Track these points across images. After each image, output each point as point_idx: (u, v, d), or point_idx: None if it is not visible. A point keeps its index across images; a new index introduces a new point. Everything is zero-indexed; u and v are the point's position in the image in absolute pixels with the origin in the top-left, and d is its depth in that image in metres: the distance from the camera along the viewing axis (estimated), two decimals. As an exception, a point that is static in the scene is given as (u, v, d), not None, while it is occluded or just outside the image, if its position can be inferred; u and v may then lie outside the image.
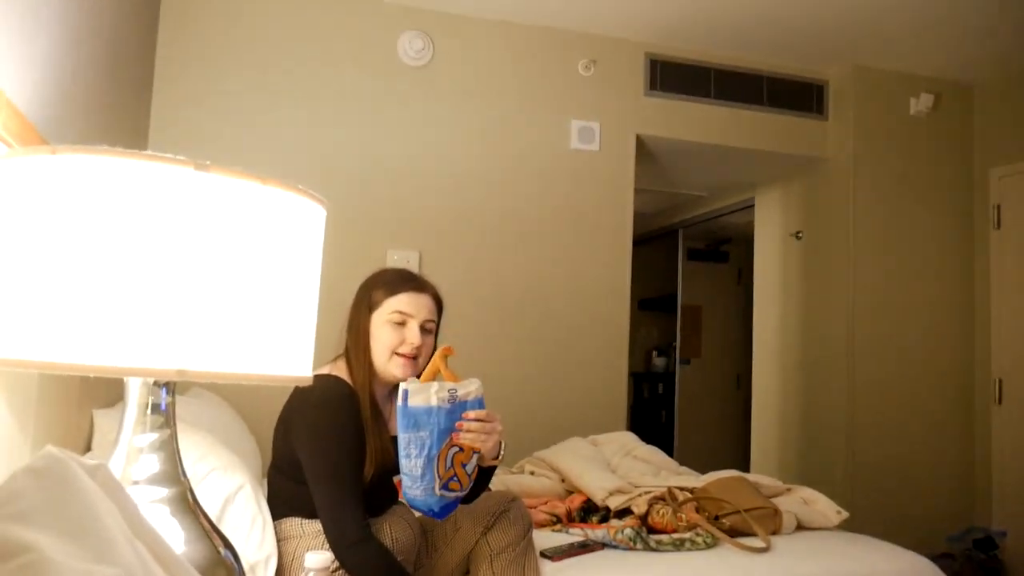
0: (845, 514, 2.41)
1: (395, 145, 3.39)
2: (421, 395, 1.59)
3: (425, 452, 1.59)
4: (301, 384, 1.14)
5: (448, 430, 1.62)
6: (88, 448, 1.91)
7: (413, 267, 3.30)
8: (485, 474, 1.78)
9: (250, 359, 1.01)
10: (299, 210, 1.08)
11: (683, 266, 6.10)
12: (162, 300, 0.93)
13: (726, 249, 6.40)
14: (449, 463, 1.62)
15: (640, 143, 3.78)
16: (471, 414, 1.65)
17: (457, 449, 1.63)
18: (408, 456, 1.58)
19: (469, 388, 1.67)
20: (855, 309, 3.93)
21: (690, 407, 6.04)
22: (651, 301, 6.53)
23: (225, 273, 0.98)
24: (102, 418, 1.94)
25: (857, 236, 3.94)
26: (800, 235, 4.41)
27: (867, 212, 3.96)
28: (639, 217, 4.05)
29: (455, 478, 1.64)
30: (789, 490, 2.53)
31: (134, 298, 0.91)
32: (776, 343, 4.62)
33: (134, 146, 2.78)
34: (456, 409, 1.64)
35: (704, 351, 6.29)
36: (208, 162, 0.98)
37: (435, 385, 1.62)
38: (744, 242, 5.49)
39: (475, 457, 1.68)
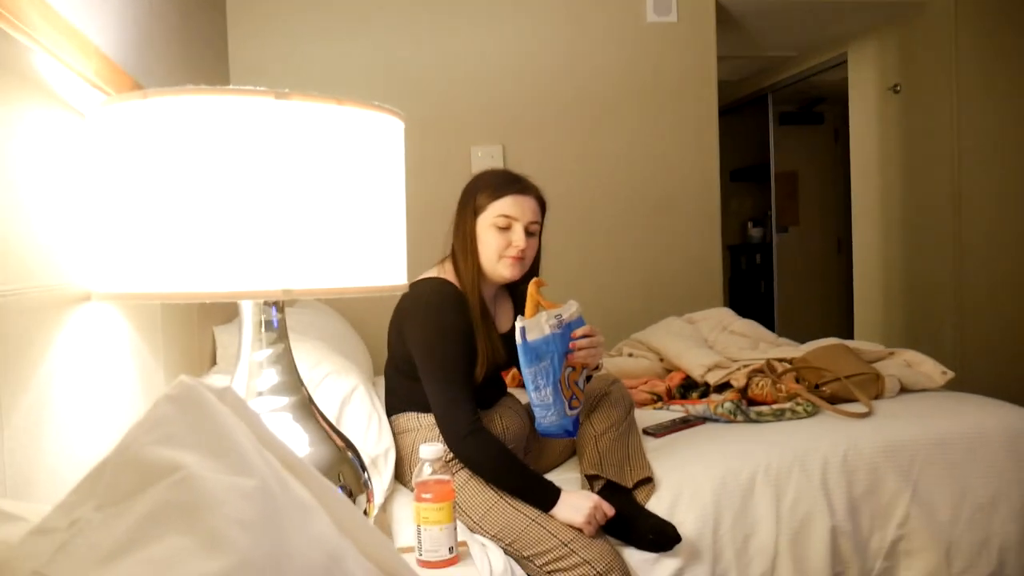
0: (950, 374, 2.38)
1: (469, 41, 3.36)
2: (535, 328, 1.67)
3: (552, 379, 1.68)
4: (400, 291, 1.20)
5: (564, 353, 1.71)
6: (213, 362, 2.06)
7: (497, 161, 3.32)
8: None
9: (347, 273, 1.07)
10: (378, 125, 1.11)
11: (775, 131, 5.89)
12: (262, 226, 0.98)
13: (820, 110, 6.13)
14: (567, 383, 1.72)
15: (720, 8, 3.62)
16: (578, 332, 1.73)
17: (571, 369, 1.73)
18: (537, 388, 1.68)
19: (570, 310, 1.75)
20: (960, 162, 3.75)
21: (789, 276, 5.95)
22: (743, 171, 6.36)
23: (315, 194, 1.03)
24: (222, 334, 2.08)
25: (960, 83, 3.71)
26: (898, 88, 4.18)
27: (971, 56, 3.71)
28: (724, 85, 3.90)
29: (575, 396, 1.74)
30: (892, 354, 2.51)
31: (237, 227, 0.98)
32: (877, 204, 4.46)
33: (216, 70, 2.86)
34: (565, 332, 1.72)
35: (802, 218, 6.13)
36: (287, 89, 1.01)
37: (543, 315, 1.71)
38: (839, 101, 5.24)
39: (584, 372, 1.77)
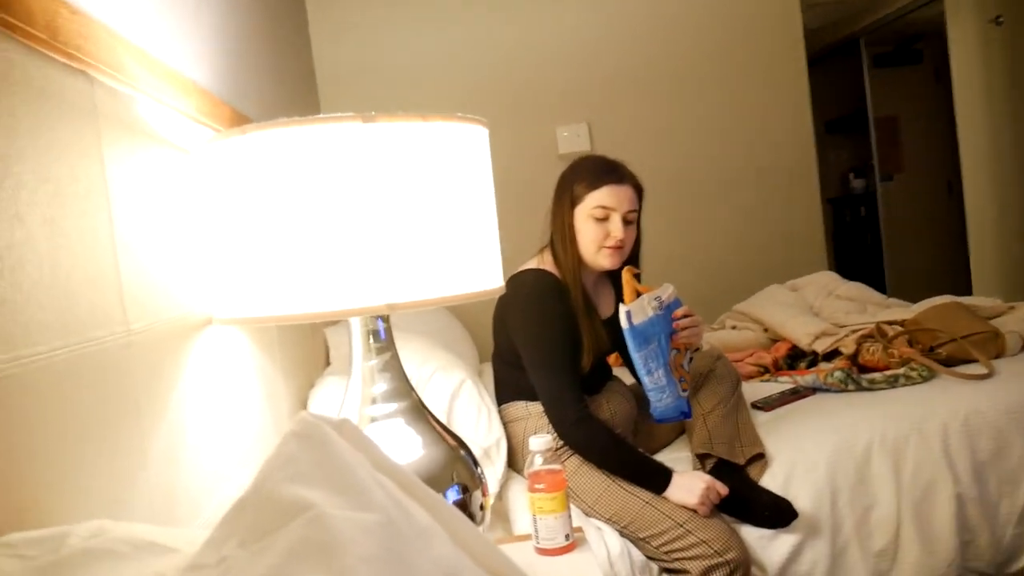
0: (1079, 325, 2.25)
1: (546, 20, 3.34)
2: (639, 311, 1.68)
3: (662, 360, 1.69)
4: (497, 293, 1.22)
5: (669, 333, 1.71)
6: (327, 363, 2.15)
7: (583, 140, 3.30)
8: None
9: (446, 282, 1.11)
10: (463, 136, 1.14)
11: (870, 76, 5.62)
12: (362, 246, 1.03)
13: (917, 48, 5.82)
14: (675, 366, 1.73)
15: (801, -46, 3.49)
16: (679, 312, 1.74)
17: (675, 351, 1.73)
18: (649, 372, 1.68)
19: (667, 291, 1.75)
20: (1077, 93, 3.50)
21: (897, 226, 5.70)
22: (838, 121, 6.11)
23: (409, 210, 1.06)
24: (333, 335, 2.17)
25: (1072, 9, 3.46)
26: (1000, 20, 3.93)
27: (1083, -21, 3.45)
28: (811, 34, 3.76)
29: (683, 378, 1.74)
30: (1011, 308, 2.39)
31: (339, 248, 1.02)
32: (986, 143, 4.23)
33: (303, 78, 2.94)
34: (666, 314, 1.73)
35: (906, 164, 5.85)
36: (373, 112, 1.05)
37: (645, 298, 1.71)
38: (937, 37, 4.96)
39: (688, 353, 1.77)
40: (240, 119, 1.50)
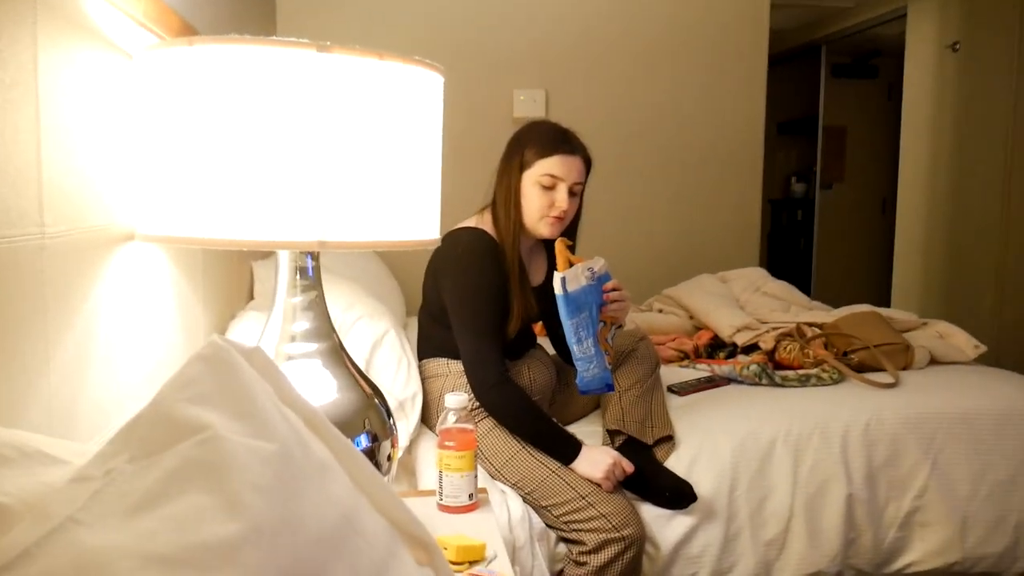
0: (983, 348, 2.35)
1: (516, -20, 3.30)
2: (574, 279, 1.68)
3: (592, 331, 1.69)
4: (431, 245, 1.21)
5: (599, 305, 1.72)
6: (251, 296, 2.11)
7: (539, 106, 3.29)
8: None
9: (381, 227, 1.09)
10: (418, 80, 1.11)
11: (826, 84, 5.73)
12: (300, 178, 1.00)
13: (874, 63, 5.94)
14: (600, 338, 1.73)
15: (776, -45, 3.51)
16: (608, 286, 1.75)
17: (602, 324, 1.74)
18: (579, 340, 1.68)
19: (599, 263, 1.75)
20: (1017, 128, 3.63)
21: (830, 234, 5.86)
22: (790, 124, 6.22)
23: (353, 148, 1.04)
24: (260, 269, 2.13)
25: (1023, 46, 3.57)
26: (957, 46, 4.04)
27: (1037, 18, 3.56)
28: (775, 34, 3.80)
29: (607, 351, 1.74)
30: (925, 324, 2.49)
31: (276, 177, 0.99)
32: (926, 166, 4.36)
33: (262, 13, 2.85)
34: (597, 285, 1.73)
35: (848, 175, 6.00)
36: (328, 42, 1.02)
37: (579, 266, 1.71)
38: (894, 55, 5.07)
39: (614, 328, 1.78)
40: (188, 30, 1.44)
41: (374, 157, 1.06)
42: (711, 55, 3.44)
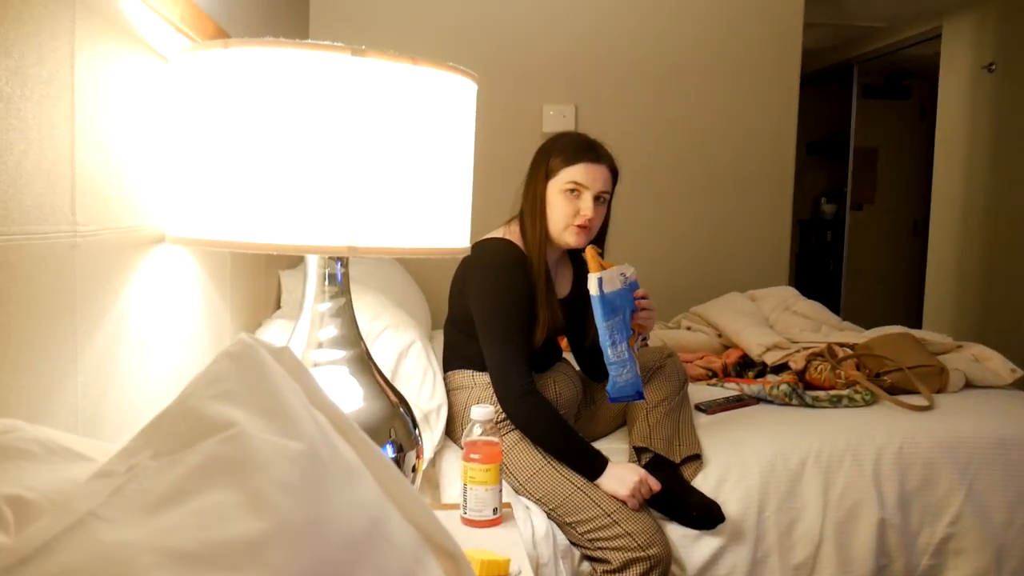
0: (1020, 372, 2.30)
1: (547, -4, 3.31)
2: (610, 281, 1.67)
3: (626, 335, 1.68)
4: (461, 253, 1.20)
5: (631, 310, 1.70)
6: (278, 305, 2.11)
7: (569, 121, 3.28)
8: None
9: (411, 234, 1.08)
10: (451, 87, 1.11)
11: (857, 104, 5.68)
12: (332, 182, 0.99)
13: (907, 84, 5.89)
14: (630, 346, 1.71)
15: (809, -28, 3.50)
16: (639, 293, 1.73)
17: (631, 332, 1.71)
18: (614, 343, 1.66)
19: (630, 270, 1.74)
20: (1053, 150, 3.57)
21: (860, 256, 5.79)
22: (821, 144, 6.16)
23: (385, 153, 1.03)
24: (288, 278, 2.13)
25: (1062, 68, 3.52)
26: (993, 67, 3.98)
27: (1076, 40, 3.51)
28: (807, 54, 3.77)
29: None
30: (959, 347, 2.43)
31: (307, 181, 0.99)
32: (959, 188, 4.29)
33: (296, 18, 2.87)
34: (629, 290, 1.71)
35: (878, 196, 5.93)
36: (363, 46, 1.01)
37: (613, 270, 1.70)
38: (928, 76, 5.02)
39: (640, 339, 1.75)
40: (222, 35, 1.44)
41: (406, 163, 1.05)
42: (742, 73, 3.42)
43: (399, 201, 1.05)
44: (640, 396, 1.71)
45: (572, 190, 1.76)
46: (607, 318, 1.65)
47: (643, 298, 1.73)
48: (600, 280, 1.64)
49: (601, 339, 1.67)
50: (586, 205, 1.76)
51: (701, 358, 2.55)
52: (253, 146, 0.99)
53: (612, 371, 1.67)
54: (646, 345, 1.88)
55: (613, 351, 1.66)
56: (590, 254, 1.72)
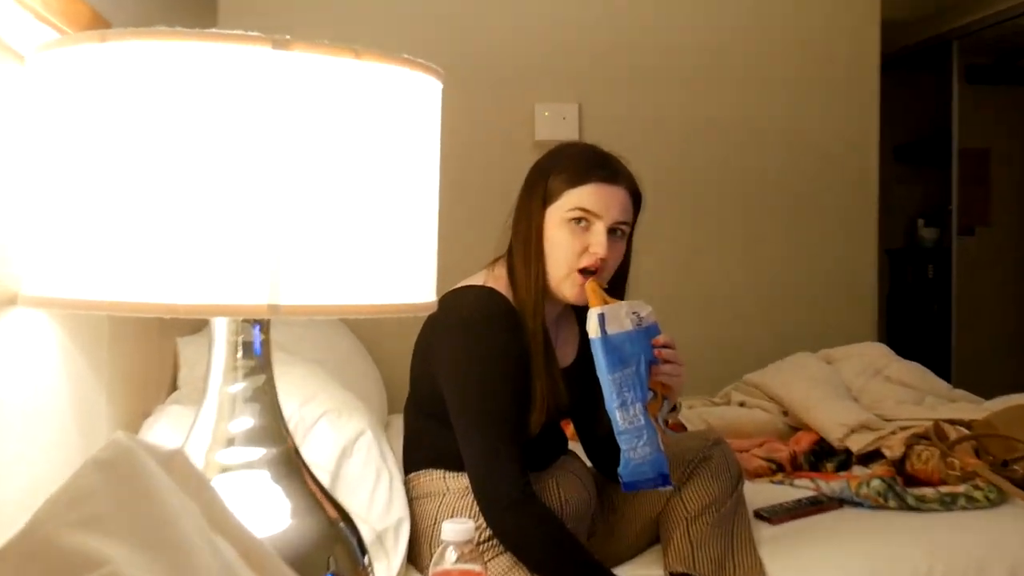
0: None
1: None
2: (615, 319, 1.67)
3: (641, 394, 1.66)
4: (426, 311, 1.20)
5: (648, 362, 1.69)
6: (174, 386, 2.10)
7: (570, 125, 3.32)
8: None
9: (357, 285, 1.08)
10: (408, 86, 1.12)
11: (959, 93, 5.76)
12: (244, 219, 1.00)
13: (1025, 65, 5.99)
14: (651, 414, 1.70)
15: (890, -77, 3.58)
16: (660, 340, 1.72)
17: (651, 394, 1.70)
18: (624, 404, 1.65)
19: (646, 309, 1.73)
20: None
21: (973, 297, 5.81)
22: (912, 148, 6.23)
23: (321, 177, 1.04)
24: (188, 347, 2.12)
25: None
26: None
27: None
28: (889, 28, 3.82)
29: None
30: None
31: (211, 219, 0.99)
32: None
33: (202, 15, 2.90)
34: (645, 335, 1.71)
35: (994, 214, 5.98)
36: (288, 37, 1.02)
37: (622, 305, 1.70)
38: (1054, 54, 5.11)
39: (667, 404, 1.74)
40: (101, 26, 1.46)
41: (348, 189, 1.06)
42: (804, 57, 3.48)
43: (339, 241, 1.05)
44: (666, 481, 1.70)
45: (579, 219, 1.77)
46: (612, 369, 1.64)
47: (666, 347, 1.73)
48: (602, 317, 1.64)
49: (607, 400, 1.66)
50: (598, 239, 1.76)
51: (760, 445, 2.54)
52: (138, 172, 0.99)
53: (623, 443, 1.66)
54: (676, 417, 1.88)
55: (623, 414, 1.65)
56: (590, 287, 1.72)
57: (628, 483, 1.68)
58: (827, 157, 3.49)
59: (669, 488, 1.74)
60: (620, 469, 1.67)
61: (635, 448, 1.65)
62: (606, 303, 1.70)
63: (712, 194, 3.44)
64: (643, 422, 1.65)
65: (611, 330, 1.65)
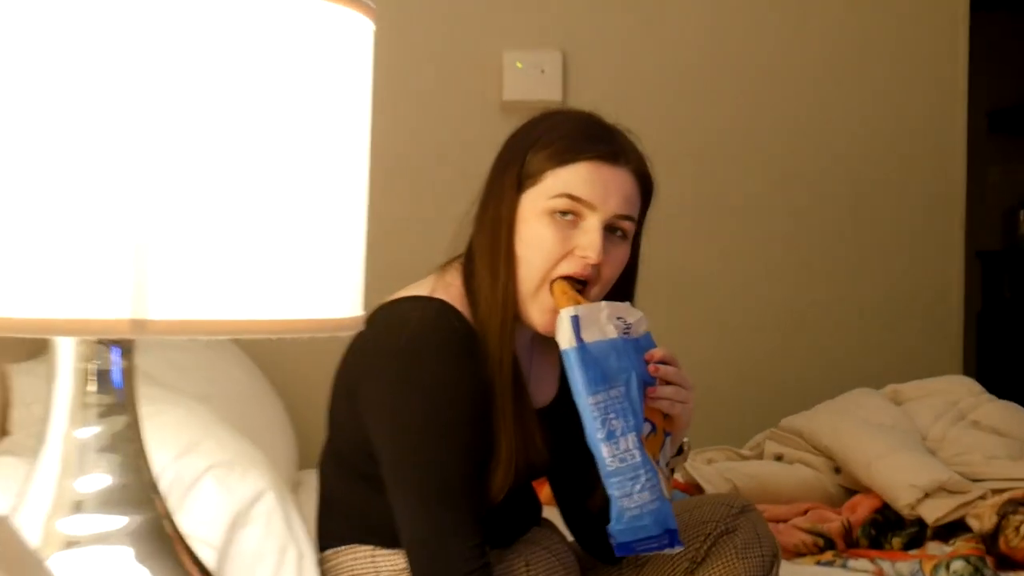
0: None
1: None
2: (592, 323, 1.68)
3: (634, 423, 1.67)
4: (350, 328, 1.20)
5: (641, 381, 1.71)
6: (3, 431, 2.09)
7: (551, 81, 3.33)
8: None
9: (253, 295, 1.08)
10: (326, 24, 1.12)
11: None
12: (98, 199, 0.99)
13: None
14: (649, 450, 1.71)
15: None
16: (656, 354, 1.74)
17: (648, 425, 1.72)
18: (612, 437, 1.66)
19: (636, 315, 1.75)
20: None
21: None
22: (1014, 114, 6.28)
23: (202, 145, 1.03)
24: (23, 377, 2.11)
25: None
26: None
27: None
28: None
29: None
30: None
31: (50, 199, 0.98)
32: None
33: None
34: (636, 347, 1.73)
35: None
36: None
37: (602, 307, 1.71)
38: None
39: (668, 443, 1.76)
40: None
41: (242, 162, 1.05)
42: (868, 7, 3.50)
43: (229, 233, 1.05)
44: (674, 540, 1.70)
45: (565, 211, 1.77)
46: (593, 388, 1.65)
47: (663, 362, 1.74)
48: (576, 321, 1.64)
49: (588, 432, 1.66)
50: (590, 239, 1.76)
51: (804, 514, 2.55)
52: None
53: (613, 488, 1.66)
54: (682, 464, 1.88)
55: (611, 450, 1.65)
56: (559, 286, 1.72)
57: (621, 544, 1.68)
58: (896, 126, 3.52)
59: (678, 549, 1.74)
60: (611, 525, 1.67)
61: (630, 494, 1.66)
62: (578, 303, 1.70)
63: (740, 177, 3.45)
64: (639, 458, 1.66)
65: (589, 337, 1.66)
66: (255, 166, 1.06)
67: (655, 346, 1.75)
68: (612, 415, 1.65)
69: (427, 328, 1.77)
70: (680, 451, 1.83)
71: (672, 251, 3.28)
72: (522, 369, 1.86)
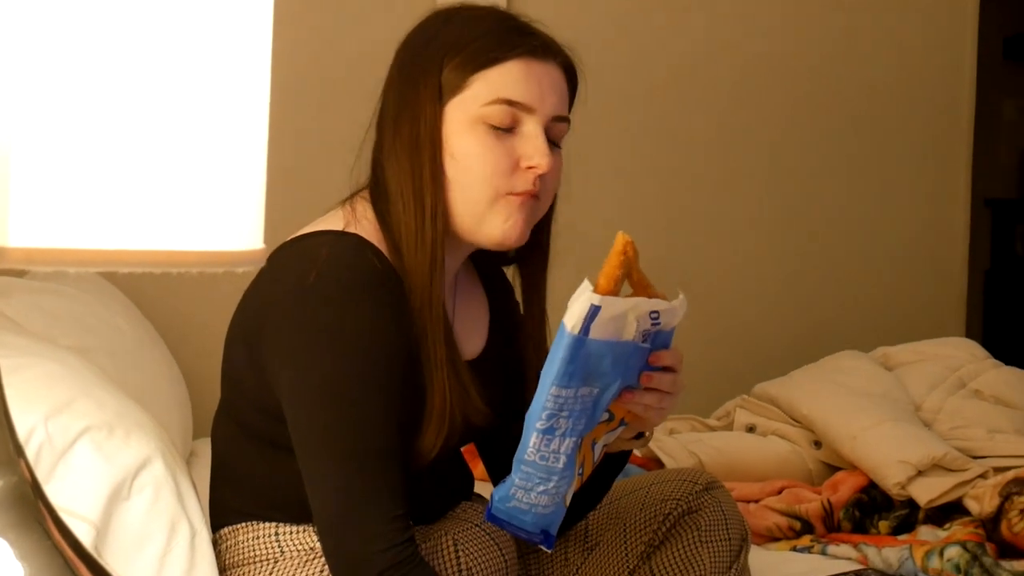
0: None
1: None
2: (611, 322, 1.67)
3: (584, 426, 1.71)
4: (251, 263, 1.19)
5: (621, 385, 1.74)
6: None
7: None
8: (614, 464, 1.92)
9: (130, 221, 1.07)
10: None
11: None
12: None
13: None
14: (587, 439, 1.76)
15: None
16: (665, 358, 1.76)
17: (607, 416, 1.76)
18: (549, 431, 1.69)
19: (676, 314, 1.75)
20: None
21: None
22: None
23: (68, 38, 1.02)
24: None
25: None
26: None
27: None
28: None
29: (582, 468, 1.77)
30: None
31: None
32: None
33: None
34: (644, 351, 1.76)
35: None
36: None
37: (640, 303, 1.72)
38: None
39: (619, 430, 1.79)
40: None
41: (115, 59, 1.04)
42: None
43: (103, 146, 1.04)
44: (546, 541, 1.75)
45: (500, 122, 1.78)
46: (565, 382, 1.67)
47: (667, 369, 1.76)
48: (594, 311, 1.65)
49: (531, 411, 1.69)
50: (535, 144, 1.78)
51: (779, 492, 2.57)
52: None
53: (517, 476, 1.71)
54: (644, 447, 1.90)
55: (539, 442, 1.68)
56: (622, 249, 1.71)
57: (493, 517, 1.74)
58: (896, 51, 3.54)
59: (546, 550, 1.81)
60: (494, 494, 1.72)
61: (529, 490, 1.71)
62: (616, 284, 1.70)
63: (716, 110, 3.47)
64: (560, 465, 1.70)
65: (597, 334, 1.66)
66: (134, 69, 1.05)
67: (669, 345, 1.78)
68: (565, 413, 1.68)
69: (341, 266, 1.76)
70: (640, 435, 1.84)
71: (637, 190, 3.30)
72: (448, 314, 1.87)
